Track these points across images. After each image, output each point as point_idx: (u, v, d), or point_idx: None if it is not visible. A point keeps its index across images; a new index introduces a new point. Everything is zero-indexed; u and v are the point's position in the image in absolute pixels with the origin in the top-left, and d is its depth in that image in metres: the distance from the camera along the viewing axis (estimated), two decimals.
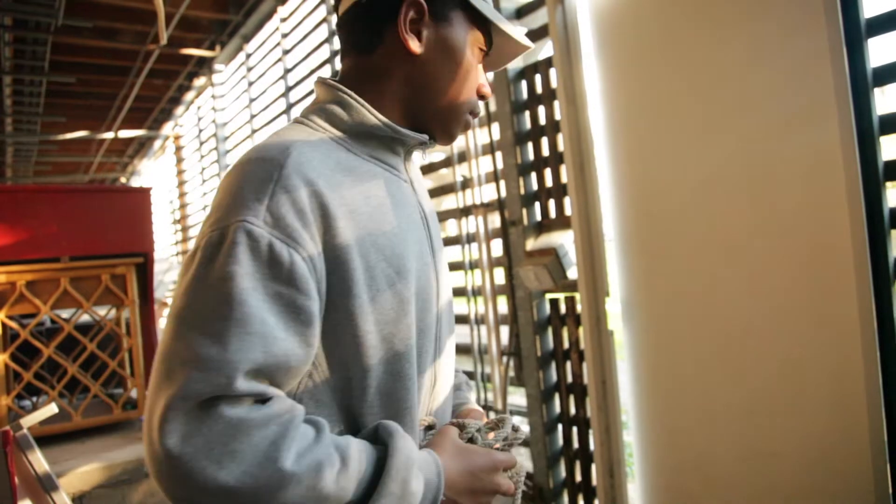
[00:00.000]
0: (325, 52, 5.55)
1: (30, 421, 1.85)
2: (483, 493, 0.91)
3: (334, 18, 5.49)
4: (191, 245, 7.10)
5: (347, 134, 0.94)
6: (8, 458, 1.72)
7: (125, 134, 10.07)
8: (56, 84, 7.62)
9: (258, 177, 0.78)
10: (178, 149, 10.64)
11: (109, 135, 9.76)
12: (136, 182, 13.58)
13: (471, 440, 0.98)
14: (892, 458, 1.85)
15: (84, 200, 2.49)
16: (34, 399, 2.67)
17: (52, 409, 1.90)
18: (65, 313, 2.55)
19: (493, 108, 3.31)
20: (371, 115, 0.93)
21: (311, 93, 5.92)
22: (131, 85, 7.82)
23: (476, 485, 0.90)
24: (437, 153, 4.78)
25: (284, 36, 6.36)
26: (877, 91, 1.98)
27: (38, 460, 1.82)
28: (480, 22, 0.97)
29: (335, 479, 0.72)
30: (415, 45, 0.94)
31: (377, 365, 0.85)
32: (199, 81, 8.60)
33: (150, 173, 12.85)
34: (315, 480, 0.70)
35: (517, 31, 1.03)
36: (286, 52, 6.34)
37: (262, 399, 0.72)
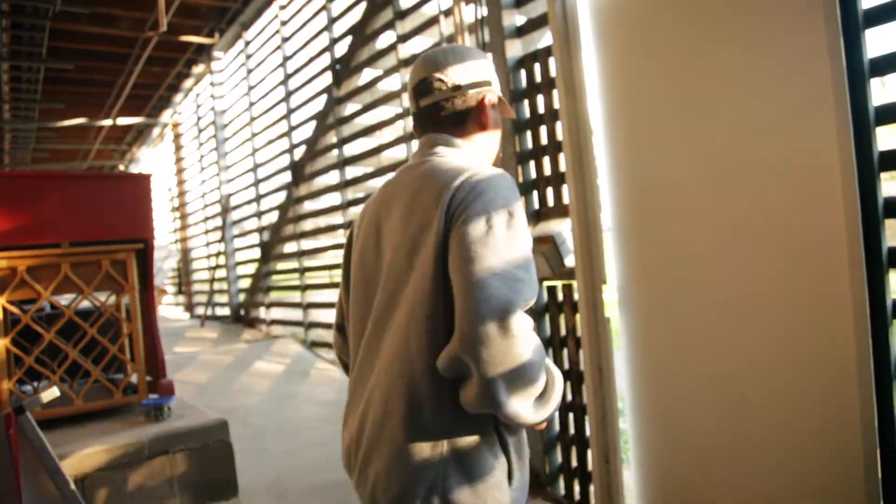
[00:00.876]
0: (324, 40, 5.54)
1: (33, 404, 1.87)
2: None
3: (334, 6, 5.47)
4: (191, 232, 7.06)
5: None
6: (11, 441, 1.74)
7: (123, 121, 10.05)
8: (54, 71, 7.60)
9: (510, 182, 1.19)
10: (177, 136, 10.62)
11: (108, 122, 9.74)
12: (134, 169, 13.56)
13: None
14: (882, 443, 1.88)
15: (85, 187, 2.50)
16: (35, 384, 2.69)
17: (54, 392, 1.93)
18: (64, 299, 2.56)
19: None
20: None
21: (309, 81, 5.91)
22: (130, 72, 7.80)
23: None
24: None
25: (284, 23, 6.34)
26: (877, 82, 2.00)
27: (41, 442, 1.85)
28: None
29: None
30: (490, 122, 1.36)
31: None
32: (198, 69, 8.58)
33: (149, 161, 12.84)
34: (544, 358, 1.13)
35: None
36: (285, 39, 6.33)
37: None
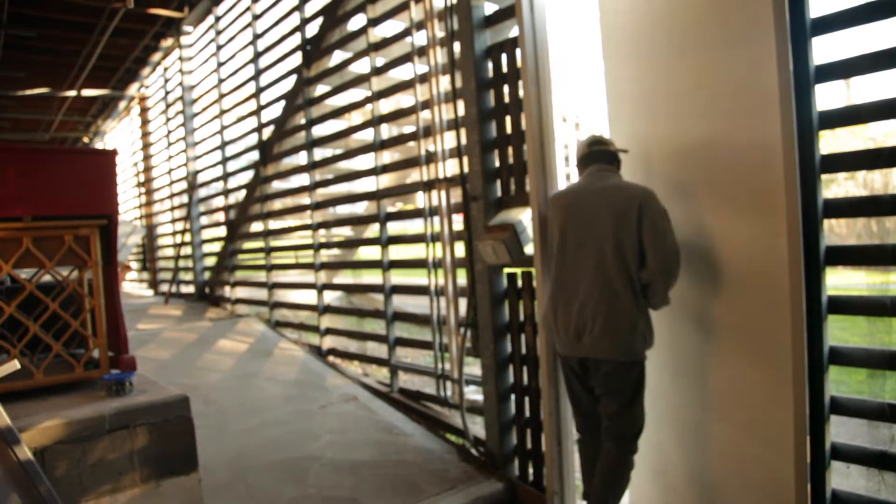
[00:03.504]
0: (295, 20, 5.51)
1: None
2: None
3: None
4: (156, 208, 7.04)
5: None
6: None
7: (88, 93, 9.84)
8: (16, 37, 7.40)
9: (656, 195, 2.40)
10: (144, 110, 10.44)
11: (72, 93, 9.53)
12: (98, 142, 13.29)
13: None
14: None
15: (48, 161, 2.49)
16: None
17: (14, 365, 1.94)
18: (25, 273, 2.56)
19: (458, 84, 3.37)
20: None
21: (279, 61, 5.88)
22: (96, 43, 7.64)
23: None
24: (407, 126, 4.82)
25: (255, 0, 6.28)
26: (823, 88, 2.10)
27: (0, 414, 1.87)
28: None
29: None
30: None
31: None
32: (167, 43, 8.44)
33: (114, 134, 12.59)
34: None
35: None
36: (256, 17, 6.27)
37: None
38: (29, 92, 9.46)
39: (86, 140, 13.43)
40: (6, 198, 2.36)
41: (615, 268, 2.36)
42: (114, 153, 2.68)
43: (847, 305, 2.15)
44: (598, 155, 2.55)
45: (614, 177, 2.52)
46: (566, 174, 2.98)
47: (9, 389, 2.29)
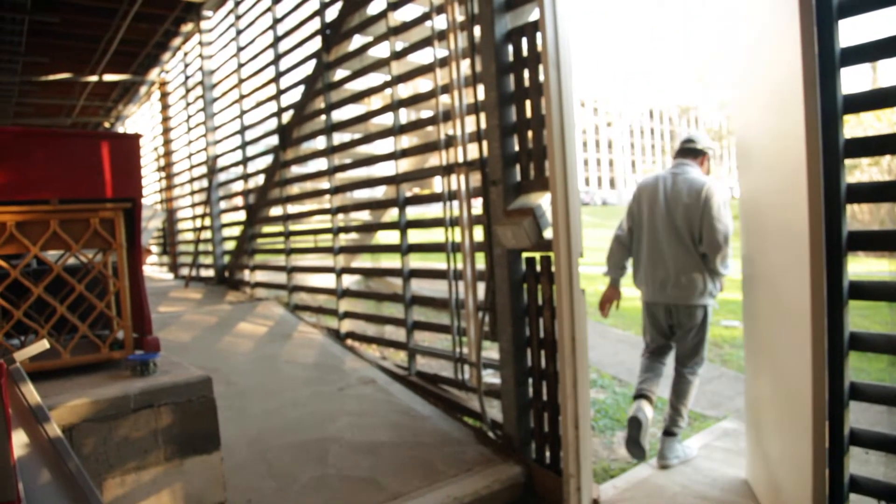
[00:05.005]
0: (314, 4, 5.51)
1: (23, 355, 1.94)
2: None
3: None
4: (176, 192, 7.10)
5: None
6: (2, 390, 1.81)
7: (109, 78, 9.92)
8: (39, 23, 7.48)
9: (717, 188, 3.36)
10: (164, 95, 10.51)
11: (93, 78, 9.61)
12: (119, 127, 13.41)
13: None
14: None
15: (74, 144, 2.52)
16: (22, 338, 2.74)
17: (43, 344, 1.99)
18: (50, 256, 2.61)
19: (479, 69, 3.36)
20: None
21: (299, 45, 5.89)
22: (117, 27, 7.70)
23: None
24: (426, 110, 4.82)
25: None
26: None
27: (31, 392, 1.92)
28: None
29: None
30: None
31: None
32: (187, 27, 8.48)
33: (135, 119, 12.70)
34: None
35: None
36: (275, 1, 6.27)
37: None
38: (52, 77, 9.55)
39: (107, 125, 13.56)
40: (34, 181, 2.40)
41: (687, 240, 3.33)
42: (138, 137, 2.71)
43: (868, 291, 2.14)
44: (685, 151, 3.52)
45: (692, 170, 3.43)
46: (584, 159, 2.98)
47: (37, 369, 2.34)
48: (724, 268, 3.29)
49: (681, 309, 3.39)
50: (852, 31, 2.05)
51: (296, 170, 6.55)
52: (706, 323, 3.41)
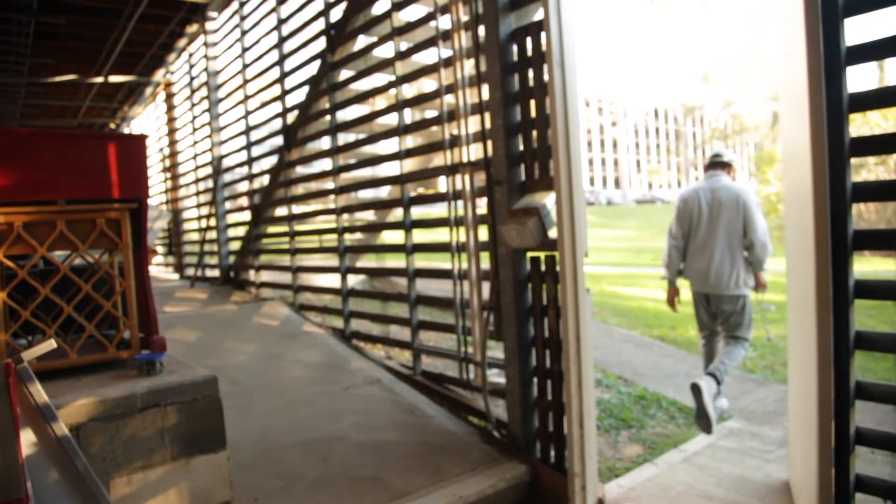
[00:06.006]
0: (319, 4, 5.52)
1: (30, 355, 1.95)
2: None
3: None
4: (181, 193, 7.13)
5: None
6: (10, 389, 1.82)
7: (115, 79, 9.95)
8: (45, 25, 7.51)
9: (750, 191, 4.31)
10: (169, 96, 10.54)
11: (99, 79, 9.64)
12: (125, 129, 13.46)
13: None
14: None
15: (81, 145, 2.54)
16: (29, 338, 2.76)
17: (50, 344, 2.00)
18: (57, 256, 2.62)
19: (483, 68, 3.36)
20: None
21: (303, 46, 5.90)
22: (122, 28, 7.72)
23: None
24: (431, 110, 4.82)
25: None
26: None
27: (39, 392, 1.93)
28: None
29: None
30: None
31: None
32: (192, 28, 8.50)
33: (140, 120, 12.74)
34: None
35: None
36: (280, 2, 6.29)
37: None
38: (58, 79, 9.58)
39: (112, 126, 13.60)
40: (42, 181, 2.42)
41: (728, 237, 4.17)
42: (144, 138, 2.72)
43: (874, 290, 2.14)
44: (715, 164, 4.45)
45: (723, 178, 4.36)
46: (589, 158, 2.98)
47: (45, 368, 2.36)
48: (765, 255, 4.12)
49: (721, 298, 4.24)
50: (858, 29, 2.05)
51: (301, 170, 6.56)
52: (745, 310, 4.21)
